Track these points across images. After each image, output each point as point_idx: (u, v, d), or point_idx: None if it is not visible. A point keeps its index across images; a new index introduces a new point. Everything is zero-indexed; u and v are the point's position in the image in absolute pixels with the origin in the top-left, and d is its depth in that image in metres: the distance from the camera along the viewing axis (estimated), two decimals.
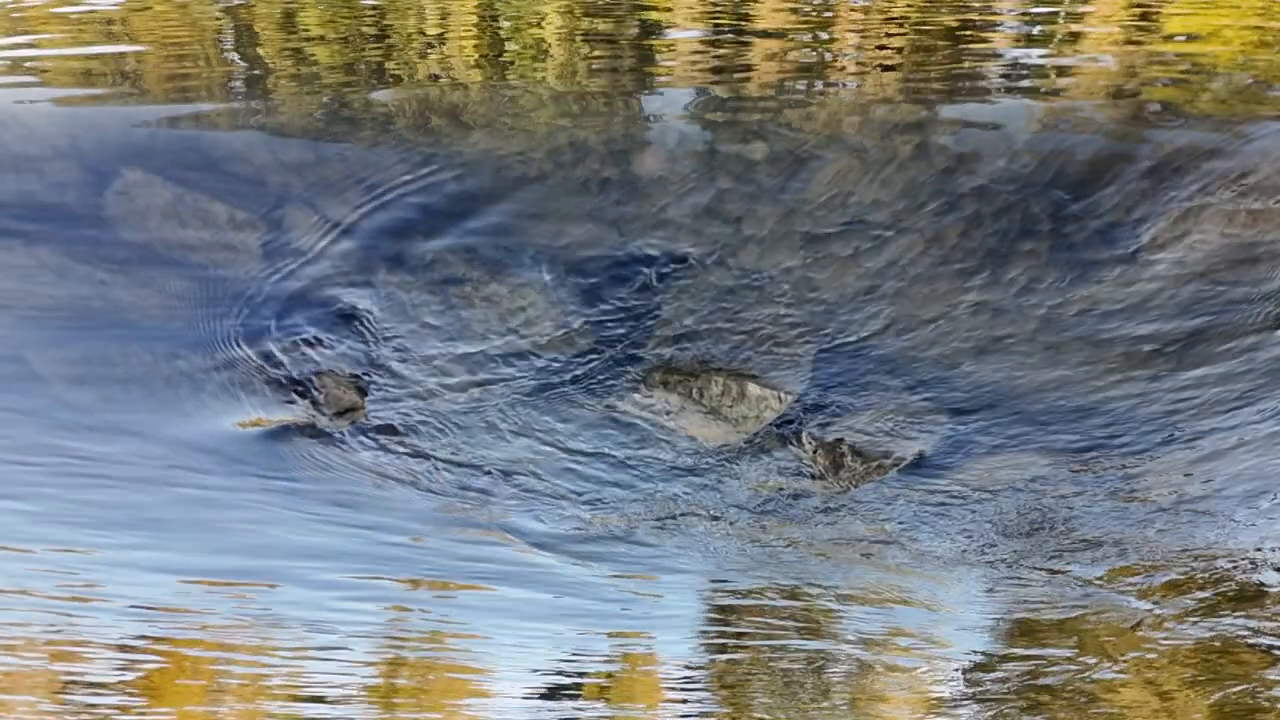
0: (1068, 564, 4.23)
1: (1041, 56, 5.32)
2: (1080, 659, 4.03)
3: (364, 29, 5.78)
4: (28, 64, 5.43)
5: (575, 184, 4.88)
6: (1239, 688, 3.87)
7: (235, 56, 5.61)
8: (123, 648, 4.20)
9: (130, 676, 4.16)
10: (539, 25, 5.75)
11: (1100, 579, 4.19)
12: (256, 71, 5.51)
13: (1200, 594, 4.09)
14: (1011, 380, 4.54)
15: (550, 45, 5.64)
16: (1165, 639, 4.02)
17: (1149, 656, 3.98)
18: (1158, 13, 5.58)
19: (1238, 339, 4.43)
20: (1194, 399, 4.40)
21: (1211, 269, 4.53)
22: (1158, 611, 4.07)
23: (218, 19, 5.90)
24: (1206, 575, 4.13)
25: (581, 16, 5.80)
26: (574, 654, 4.25)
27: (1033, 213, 4.68)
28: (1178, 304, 4.52)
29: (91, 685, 4.10)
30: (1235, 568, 4.14)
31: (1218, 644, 3.98)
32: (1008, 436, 4.47)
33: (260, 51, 5.66)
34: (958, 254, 4.69)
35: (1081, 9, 5.71)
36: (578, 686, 4.19)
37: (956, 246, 4.70)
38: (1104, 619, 4.11)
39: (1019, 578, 4.23)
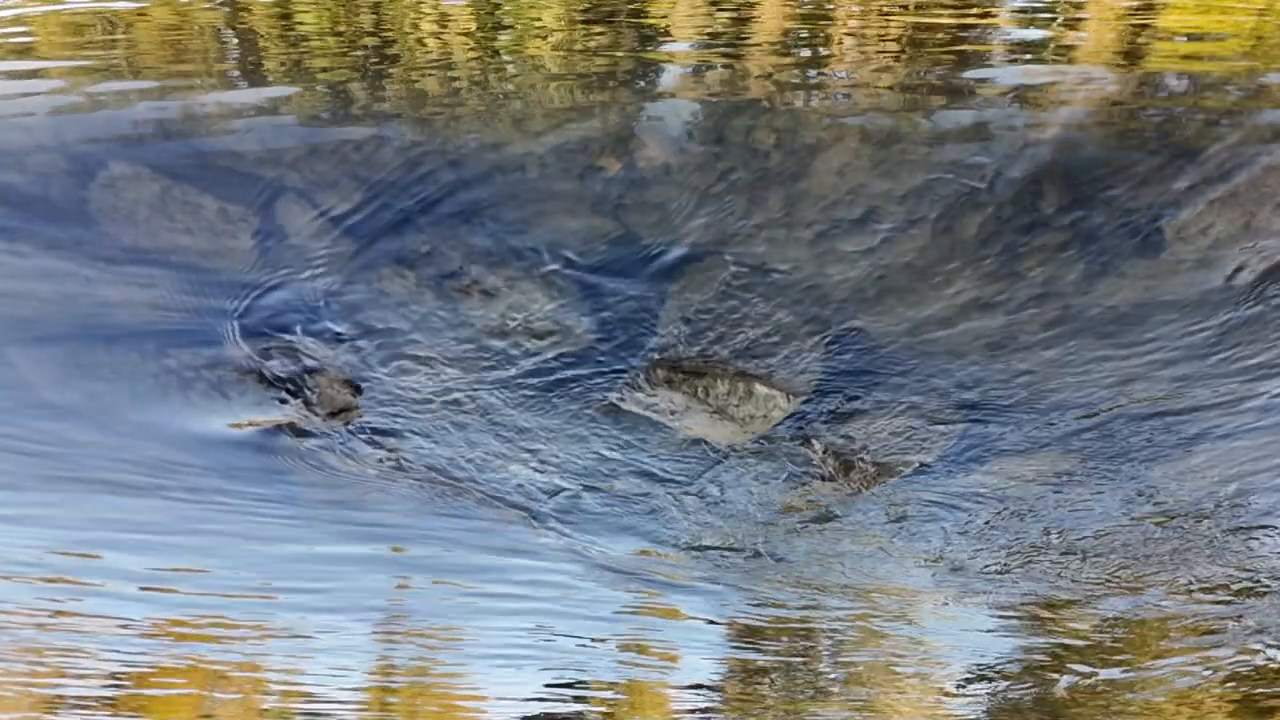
0: (1086, 569, 4.12)
1: (1047, 46, 5.20)
2: (1101, 670, 3.93)
3: (360, 20, 5.66)
4: (11, 56, 5.32)
5: (576, 176, 4.76)
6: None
7: (226, 44, 5.49)
8: (109, 657, 4.11)
9: (118, 686, 4.08)
10: (539, 12, 5.63)
11: (1122, 584, 4.08)
12: (248, 60, 5.39)
13: (1230, 600, 3.99)
14: (1029, 379, 4.42)
15: (550, 31, 5.51)
16: (1191, 648, 3.91)
17: (1178, 669, 3.87)
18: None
19: (1264, 335, 4.31)
20: (1220, 397, 4.28)
21: (1234, 264, 4.40)
22: (1184, 619, 3.96)
23: (208, 7, 5.78)
24: (1238, 580, 4.03)
25: (581, 4, 5.67)
26: (576, 660, 4.17)
27: (1049, 205, 4.55)
28: (1199, 300, 4.39)
29: (77, 697, 4.01)
30: (1269, 570, 4.03)
31: (1247, 654, 3.88)
32: (1025, 437, 4.35)
33: (252, 40, 5.54)
34: (971, 248, 4.57)
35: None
36: (582, 697, 4.11)
37: (970, 241, 4.57)
38: (1125, 626, 4.00)
39: (1035, 583, 4.13)
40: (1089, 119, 4.68)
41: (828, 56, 5.27)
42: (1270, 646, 3.88)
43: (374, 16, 5.65)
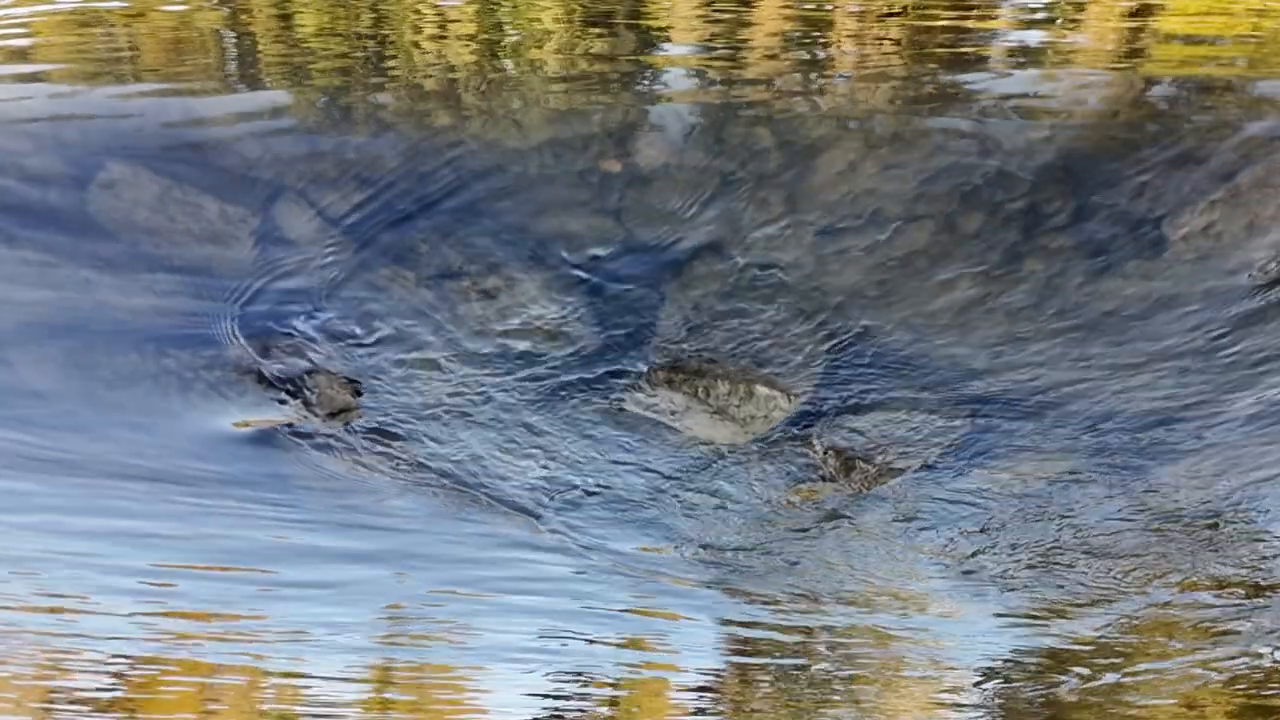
0: (1093, 570, 4.10)
1: (1048, 49, 5.21)
2: (1105, 674, 3.90)
3: (360, 19, 5.66)
4: (8, 54, 5.33)
5: (576, 175, 4.76)
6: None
7: (225, 44, 5.50)
8: (110, 657, 4.09)
9: (118, 686, 4.06)
10: (538, 14, 5.63)
11: (1129, 585, 4.06)
12: (248, 60, 5.40)
13: (1238, 602, 3.96)
14: (1032, 379, 4.41)
15: (550, 30, 5.52)
16: (1193, 650, 3.89)
17: (1184, 671, 3.85)
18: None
19: (1272, 333, 4.30)
20: (1228, 396, 4.26)
21: (1239, 263, 4.39)
22: (1191, 621, 3.94)
23: (208, 7, 5.79)
24: (1246, 581, 4.00)
25: (580, 5, 5.68)
26: (578, 663, 4.15)
27: (1051, 206, 4.55)
28: (1203, 299, 4.39)
29: (78, 697, 3.99)
30: (1272, 573, 4.01)
31: (1249, 656, 3.85)
32: (1029, 438, 4.34)
33: (251, 40, 5.55)
34: (973, 248, 4.57)
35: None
36: (586, 696, 4.08)
37: (972, 240, 4.57)
38: (1131, 628, 3.98)
39: (1040, 584, 4.11)
40: (1090, 120, 4.68)
41: (827, 59, 5.27)
42: (1277, 648, 3.86)
43: (374, 16, 5.66)
